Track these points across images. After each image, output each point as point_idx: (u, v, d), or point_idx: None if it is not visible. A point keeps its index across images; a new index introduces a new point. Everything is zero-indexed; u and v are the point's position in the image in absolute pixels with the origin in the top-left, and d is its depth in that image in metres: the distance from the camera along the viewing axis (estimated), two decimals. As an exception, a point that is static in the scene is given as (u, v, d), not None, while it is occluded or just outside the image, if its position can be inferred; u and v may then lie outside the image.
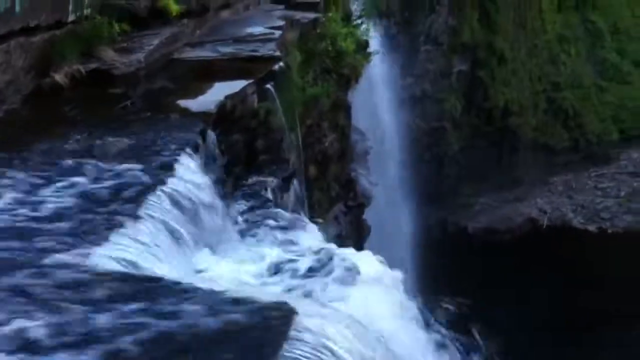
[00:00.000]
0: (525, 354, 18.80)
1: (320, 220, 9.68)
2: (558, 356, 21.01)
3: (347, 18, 16.53)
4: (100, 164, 5.83)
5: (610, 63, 33.73)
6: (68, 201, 5.31)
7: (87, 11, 8.57)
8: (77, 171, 5.79)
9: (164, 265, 4.88)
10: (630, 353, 22.08)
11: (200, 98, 8.18)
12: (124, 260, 4.61)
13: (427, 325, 6.08)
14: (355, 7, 18.62)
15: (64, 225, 4.93)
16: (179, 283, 4.50)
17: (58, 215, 5.07)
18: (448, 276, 22.82)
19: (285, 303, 4.22)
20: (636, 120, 33.16)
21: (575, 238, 28.37)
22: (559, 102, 32.22)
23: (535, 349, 20.70)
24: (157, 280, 4.60)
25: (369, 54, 16.67)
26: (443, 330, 6.22)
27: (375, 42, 18.74)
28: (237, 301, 4.28)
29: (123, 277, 4.43)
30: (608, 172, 31.99)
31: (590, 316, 22.87)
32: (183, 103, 7.92)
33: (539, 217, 29.83)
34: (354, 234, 15.61)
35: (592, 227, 29.41)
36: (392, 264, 6.61)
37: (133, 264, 4.61)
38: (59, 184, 5.50)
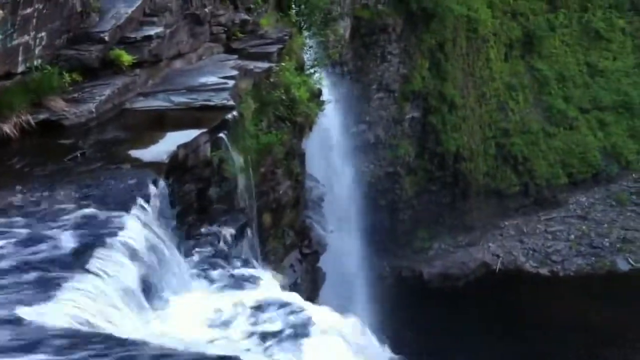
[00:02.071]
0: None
1: (274, 272, 9.61)
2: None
3: (300, 67, 16.72)
4: (47, 216, 5.73)
5: (556, 109, 34.78)
6: (15, 255, 5.18)
7: (37, 62, 8.51)
8: (23, 224, 5.67)
9: (113, 319, 4.78)
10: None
11: (153, 148, 8.12)
12: (73, 316, 4.50)
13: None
14: (308, 57, 18.84)
15: (6, 281, 4.81)
16: (127, 339, 4.41)
17: (2, 271, 4.94)
18: (404, 323, 22.80)
19: (237, 357, 4.18)
20: (583, 164, 34.12)
21: (528, 282, 28.77)
22: (508, 148, 32.99)
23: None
24: (106, 336, 4.50)
25: (322, 102, 16.84)
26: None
27: (328, 90, 18.95)
28: (186, 355, 4.22)
29: (72, 334, 4.32)
30: (558, 215, 32.70)
31: (540, 354, 23.04)
32: (135, 153, 7.84)
33: (492, 261, 30.21)
34: (310, 282, 15.52)
35: (543, 271, 29.91)
36: (348, 310, 6.60)
37: (82, 320, 4.50)
38: (3, 239, 5.38)
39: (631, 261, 30.22)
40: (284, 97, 13.71)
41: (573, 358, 23.26)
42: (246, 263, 7.69)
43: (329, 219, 17.94)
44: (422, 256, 30.27)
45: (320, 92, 16.74)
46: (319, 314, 6.06)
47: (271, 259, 12.39)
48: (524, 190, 33.02)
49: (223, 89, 10.56)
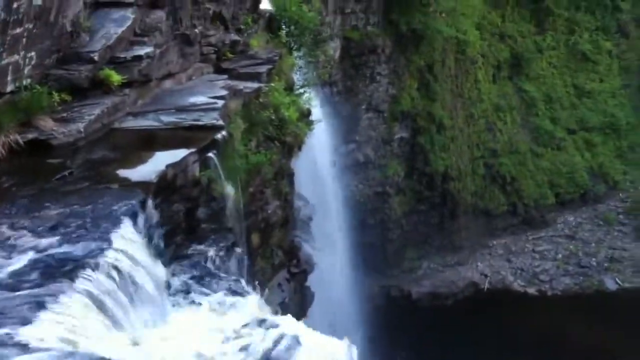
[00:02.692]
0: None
1: (262, 291, 9.60)
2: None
3: (289, 87, 16.79)
4: (34, 237, 5.72)
5: (544, 130, 35.08)
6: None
7: (26, 81, 8.52)
8: (9, 245, 5.66)
9: (99, 339, 4.77)
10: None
11: (141, 167, 8.11)
12: (58, 337, 4.49)
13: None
14: (297, 77, 18.94)
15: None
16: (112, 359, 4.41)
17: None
18: (393, 342, 22.77)
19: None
20: (570, 184, 34.35)
21: (516, 301, 28.81)
22: (496, 168, 33.19)
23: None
24: (92, 356, 4.49)
25: (312, 122, 16.89)
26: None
27: (317, 110, 19.03)
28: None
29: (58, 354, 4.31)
30: (545, 235, 32.84)
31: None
32: (123, 173, 7.84)
33: (480, 281, 30.25)
34: (298, 301, 15.48)
35: (531, 290, 29.97)
36: (336, 330, 6.60)
37: (67, 340, 4.49)
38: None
39: (619, 281, 30.35)
40: (273, 117, 13.77)
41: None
42: (235, 283, 7.67)
43: (318, 238, 17.95)
44: (411, 276, 30.28)
45: (309, 112, 16.82)
46: (307, 336, 6.05)
47: (259, 279, 12.36)
48: (512, 210, 33.18)
49: (212, 109, 10.59)
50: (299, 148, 15.95)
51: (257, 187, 13.17)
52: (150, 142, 9.43)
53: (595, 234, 33.07)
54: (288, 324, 6.03)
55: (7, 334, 4.32)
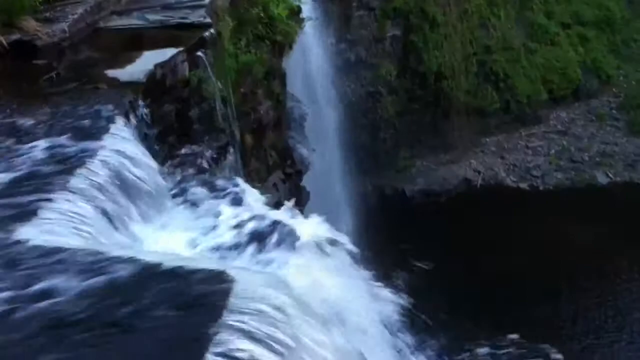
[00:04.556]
0: (458, 314, 19.47)
1: (258, 186, 9.64)
2: (490, 312, 21.64)
3: (278, -16, 16.31)
4: (26, 137, 5.66)
5: (538, 25, 34.44)
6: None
7: (5, -20, 8.21)
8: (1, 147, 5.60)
9: (98, 237, 4.79)
10: (561, 308, 23.07)
11: (129, 68, 7.98)
12: (56, 233, 4.50)
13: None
14: (286, -27, 18.34)
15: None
16: (115, 255, 4.43)
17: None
18: (387, 239, 23.20)
19: (224, 272, 4.21)
20: (563, 80, 34.07)
21: (508, 197, 29.19)
22: (489, 65, 32.80)
23: (469, 308, 21.30)
24: (92, 253, 4.52)
25: (302, 20, 16.54)
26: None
27: (307, 8, 18.56)
28: (174, 270, 4.25)
29: (56, 250, 4.33)
30: (538, 131, 32.88)
31: (523, 270, 23.63)
32: (111, 73, 7.72)
33: (473, 178, 30.52)
34: (293, 201, 15.63)
35: (524, 185, 30.30)
36: (331, 228, 6.66)
37: (62, 237, 4.50)
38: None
39: (610, 175, 30.67)
40: (262, 15, 13.44)
41: (551, 270, 23.87)
42: (230, 181, 7.68)
43: (311, 139, 17.96)
44: (404, 175, 30.52)
45: (299, 10, 16.42)
46: (305, 228, 6.12)
47: (254, 179, 12.42)
48: (505, 107, 33.08)
49: (199, 6, 10.31)
50: (290, 47, 15.67)
51: (248, 87, 13.03)
52: (136, 41, 9.23)
53: (588, 130, 33.13)
54: (285, 216, 6.10)
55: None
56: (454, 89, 31.46)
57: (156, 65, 7.95)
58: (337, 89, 26.91)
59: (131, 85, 7.41)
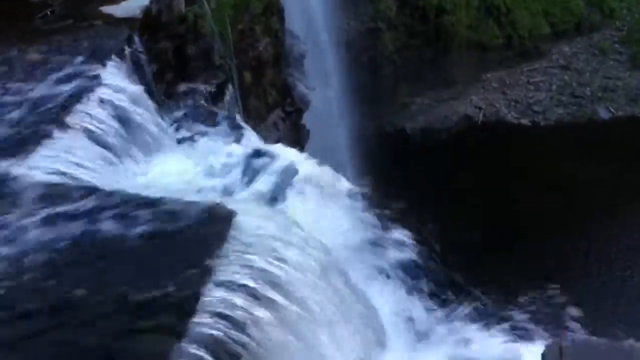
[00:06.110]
0: (461, 251, 19.61)
1: (258, 124, 9.64)
2: (493, 250, 21.85)
3: None
4: (22, 75, 5.61)
5: (541, -44, 33.73)
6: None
7: None
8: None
9: (97, 173, 4.81)
10: (567, 243, 23.26)
11: (124, 4, 7.88)
12: (56, 170, 4.52)
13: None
14: None
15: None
16: (114, 191, 4.47)
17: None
18: (387, 177, 23.24)
19: (224, 205, 4.26)
20: (565, 14, 33.51)
21: (510, 132, 29.10)
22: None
23: (471, 246, 21.48)
24: (92, 188, 4.55)
25: (300, -47, 16.19)
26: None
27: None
28: (175, 205, 4.29)
29: (56, 186, 4.36)
30: (540, 66, 32.52)
31: (525, 206, 23.78)
32: (106, 9, 7.63)
33: (474, 114, 30.35)
34: (294, 138, 15.61)
35: (525, 121, 30.15)
36: (331, 166, 6.68)
37: (65, 174, 4.53)
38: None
39: (612, 109, 30.50)
40: (258, -51, 13.15)
41: (554, 205, 24.00)
42: (229, 119, 7.67)
43: (311, 76, 17.81)
44: (404, 112, 30.37)
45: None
46: (303, 164, 6.14)
47: (253, 118, 12.39)
48: (506, 43, 32.64)
49: (194, -60, 10.05)
50: (288, -19, 15.39)
51: (246, 23, 12.86)
52: (131, -24, 9.02)
53: (590, 64, 32.76)
54: (286, 152, 6.11)
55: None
56: (454, 23, 30.98)
57: (152, 1, 7.84)
58: (336, 25, 26.53)
59: (127, 20, 7.33)
